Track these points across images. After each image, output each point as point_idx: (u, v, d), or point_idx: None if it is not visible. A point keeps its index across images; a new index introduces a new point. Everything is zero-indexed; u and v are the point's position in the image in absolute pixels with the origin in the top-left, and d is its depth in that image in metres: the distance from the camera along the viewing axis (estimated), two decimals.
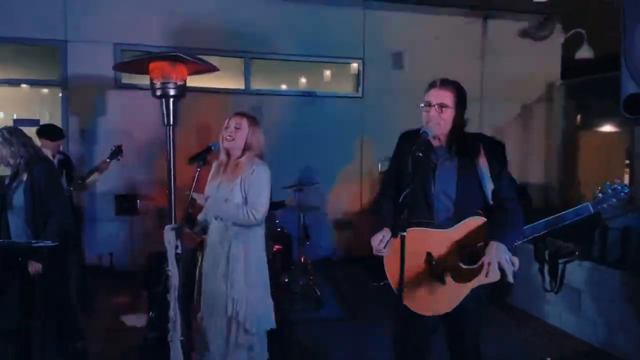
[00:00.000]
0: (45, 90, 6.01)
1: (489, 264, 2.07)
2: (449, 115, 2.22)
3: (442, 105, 2.20)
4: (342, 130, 6.44)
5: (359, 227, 6.54)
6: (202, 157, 2.58)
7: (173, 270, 2.41)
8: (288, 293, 4.87)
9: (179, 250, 2.42)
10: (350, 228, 6.56)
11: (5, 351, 3.33)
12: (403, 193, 1.86)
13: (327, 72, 6.69)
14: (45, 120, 5.82)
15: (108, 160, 4.56)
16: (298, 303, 4.74)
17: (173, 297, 2.42)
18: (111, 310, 4.53)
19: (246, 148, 2.66)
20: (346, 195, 6.56)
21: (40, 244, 2.83)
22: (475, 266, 2.14)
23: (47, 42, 5.69)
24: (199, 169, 2.55)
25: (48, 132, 4.43)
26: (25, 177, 3.16)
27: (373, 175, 6.55)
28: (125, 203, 5.54)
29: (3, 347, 3.34)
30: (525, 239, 2.53)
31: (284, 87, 6.68)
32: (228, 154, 2.70)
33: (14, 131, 3.24)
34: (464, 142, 2.27)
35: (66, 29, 5.64)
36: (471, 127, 2.35)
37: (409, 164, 2.00)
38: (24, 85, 5.89)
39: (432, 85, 2.27)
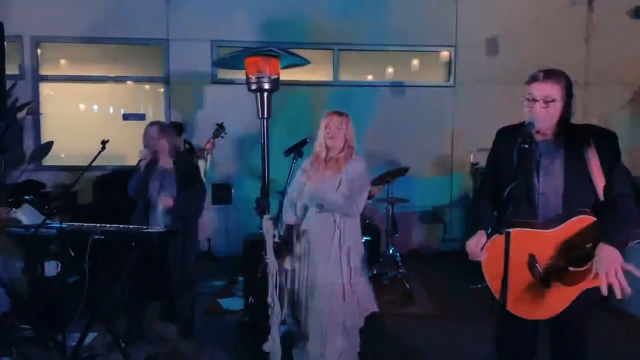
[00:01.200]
0: (149, 87, 6.44)
1: (597, 271, 1.91)
2: (556, 109, 2.07)
3: (547, 100, 2.06)
4: (432, 121, 6.29)
5: (449, 220, 6.38)
6: (298, 148, 2.64)
7: (271, 258, 2.50)
8: (377, 286, 4.85)
9: (276, 239, 2.51)
10: (440, 221, 6.41)
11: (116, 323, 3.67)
12: (508, 188, 1.77)
13: (415, 62, 6.55)
14: (150, 114, 6.26)
15: (212, 139, 4.75)
16: (387, 296, 4.71)
17: (271, 284, 2.52)
18: (209, 293, 4.79)
19: (346, 145, 2.72)
20: (436, 187, 6.41)
21: (151, 230, 3.07)
22: (583, 269, 1.99)
23: (151, 41, 6.10)
24: (295, 161, 2.61)
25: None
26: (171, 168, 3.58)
27: (465, 168, 6.34)
28: (221, 192, 5.83)
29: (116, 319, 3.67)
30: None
31: (370, 77, 6.63)
32: (328, 151, 2.74)
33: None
34: (572, 134, 2.12)
35: (168, 28, 6.02)
36: (575, 117, 2.19)
37: (513, 158, 1.90)
38: (129, 82, 6.36)
39: (534, 77, 2.11)
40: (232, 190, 5.81)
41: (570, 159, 2.10)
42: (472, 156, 6.11)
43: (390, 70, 6.61)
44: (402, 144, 6.19)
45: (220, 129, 4.71)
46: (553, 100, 2.06)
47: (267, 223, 2.49)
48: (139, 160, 3.66)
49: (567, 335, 2.20)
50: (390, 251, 5.13)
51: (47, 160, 5.90)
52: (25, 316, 3.68)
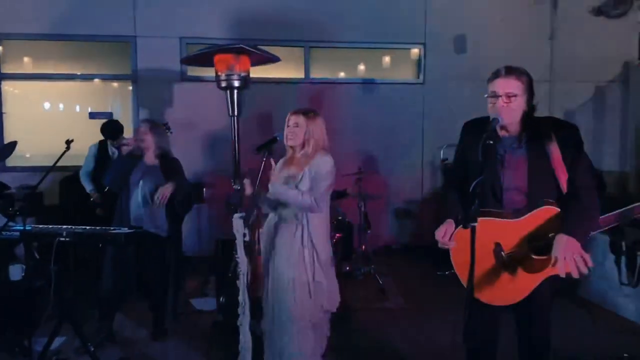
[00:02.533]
0: (117, 84, 6.31)
1: (556, 257, 1.99)
2: (518, 104, 2.13)
3: (509, 95, 2.11)
4: (402, 117, 6.36)
5: (420, 215, 6.46)
6: (268, 146, 2.63)
7: (242, 257, 2.49)
8: (350, 281, 4.90)
9: (246, 238, 2.50)
10: (412, 216, 6.49)
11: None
12: (473, 183, 1.81)
13: (387, 59, 6.60)
14: (117, 113, 6.13)
15: None
16: (360, 291, 4.75)
17: (242, 283, 2.52)
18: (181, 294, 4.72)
19: (305, 142, 2.71)
20: (407, 183, 6.48)
21: (118, 231, 3.03)
22: (546, 257, 2.06)
23: (118, 38, 5.97)
24: (264, 158, 2.60)
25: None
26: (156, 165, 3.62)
27: (435, 164, 6.43)
28: (193, 191, 5.76)
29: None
30: (600, 230, 2.39)
31: (342, 75, 6.65)
32: (292, 149, 2.77)
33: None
34: (534, 129, 2.17)
35: (135, 24, 5.90)
36: (541, 112, 2.26)
37: (478, 152, 1.94)
38: (96, 80, 6.21)
39: (496, 74, 2.17)
40: (204, 189, 5.75)
41: (532, 155, 2.16)
42: (442, 152, 6.20)
43: (361, 67, 6.64)
44: (373, 140, 6.24)
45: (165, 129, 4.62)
46: (515, 96, 2.11)
47: (237, 222, 2.48)
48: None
49: (532, 319, 2.28)
50: (363, 247, 5.16)
51: (11, 161, 5.73)
52: None
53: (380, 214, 6.16)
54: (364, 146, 6.19)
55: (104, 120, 5.17)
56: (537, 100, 2.21)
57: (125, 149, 3.58)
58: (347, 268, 5.01)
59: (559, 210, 2.09)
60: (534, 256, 2.10)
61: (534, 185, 2.15)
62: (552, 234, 2.06)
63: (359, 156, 5.98)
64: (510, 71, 2.14)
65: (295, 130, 2.70)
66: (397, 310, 4.39)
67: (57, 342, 3.47)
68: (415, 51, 6.49)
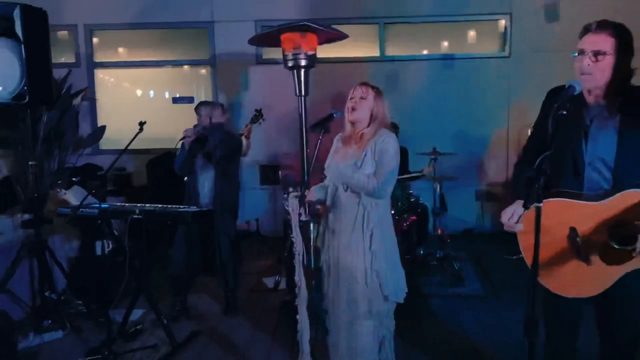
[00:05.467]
0: (198, 70, 6.53)
1: None
2: (607, 64, 1.84)
3: (597, 53, 1.83)
4: (486, 94, 5.97)
5: (505, 198, 6.06)
6: (324, 124, 2.54)
7: (297, 236, 2.44)
8: (424, 266, 4.72)
9: (302, 218, 2.44)
10: (496, 199, 6.11)
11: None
12: (539, 157, 1.59)
13: (472, 33, 6.20)
14: (200, 97, 6.36)
15: (249, 125, 4.73)
16: (434, 277, 4.57)
17: (298, 262, 2.47)
18: (255, 272, 4.84)
19: (372, 119, 2.53)
20: (491, 164, 6.11)
21: (186, 209, 3.14)
22: (630, 248, 1.79)
23: (197, 24, 6.16)
24: (320, 137, 2.51)
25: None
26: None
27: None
28: (269, 173, 5.87)
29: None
30: None
31: (423, 52, 6.35)
32: (353, 125, 2.58)
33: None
34: (631, 98, 1.87)
35: (213, 10, 6.04)
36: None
37: (549, 123, 1.71)
38: (180, 66, 6.47)
39: (586, 29, 1.89)
40: (280, 171, 5.82)
41: (625, 127, 1.87)
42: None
43: (440, 42, 6.31)
44: (453, 119, 5.94)
45: (258, 115, 4.67)
46: (604, 54, 1.83)
47: (292, 201, 2.43)
48: (182, 138, 3.75)
49: (614, 318, 2.00)
50: (439, 231, 4.94)
51: (104, 144, 6.15)
52: (79, 293, 3.87)
53: (460, 197, 5.86)
54: (442, 125, 5.90)
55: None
56: (636, 65, 1.90)
57: (187, 141, 3.72)
58: (421, 252, 4.82)
59: None
60: (615, 245, 1.83)
61: (623, 163, 1.86)
62: (639, 222, 1.78)
63: (436, 136, 5.70)
64: (603, 26, 1.86)
65: (361, 102, 2.52)
66: (473, 297, 4.15)
67: (136, 314, 3.70)
68: (501, 22, 6.04)
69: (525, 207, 1.60)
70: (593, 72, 1.85)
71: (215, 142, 3.76)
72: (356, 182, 2.44)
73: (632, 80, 1.94)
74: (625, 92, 1.89)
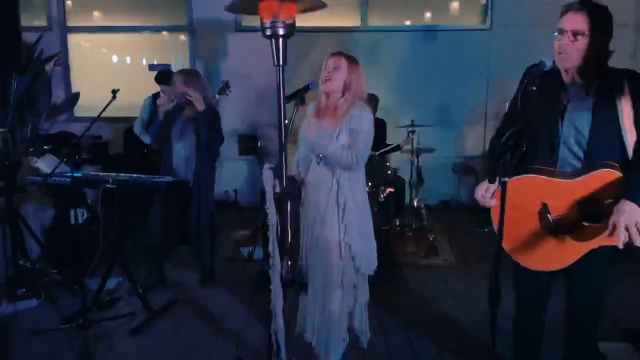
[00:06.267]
0: (176, 36, 6.38)
1: (614, 225, 1.74)
2: (584, 44, 1.83)
3: (576, 33, 1.83)
4: (466, 67, 5.97)
5: (482, 171, 6.15)
6: (300, 95, 2.51)
7: (271, 208, 2.45)
8: (400, 237, 4.80)
9: (277, 190, 2.44)
10: (472, 173, 6.20)
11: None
12: (506, 133, 1.61)
13: (455, 4, 6.15)
14: (177, 64, 6.22)
15: (217, 96, 4.66)
16: (409, 247, 4.65)
17: (272, 233, 2.48)
18: (233, 242, 4.87)
19: (345, 89, 2.52)
20: (469, 137, 6.16)
21: (160, 179, 3.12)
22: (598, 225, 1.84)
23: None
24: (296, 108, 2.49)
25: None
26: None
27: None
28: (248, 143, 5.82)
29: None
30: None
31: (406, 23, 6.29)
32: (327, 97, 2.58)
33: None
34: (607, 79, 1.88)
35: None
36: (624, 63, 1.94)
37: (518, 100, 1.72)
38: (157, 33, 6.30)
39: (567, 8, 1.88)
40: (259, 141, 5.78)
41: (599, 108, 1.88)
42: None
43: (423, 13, 6.25)
44: (432, 91, 5.95)
45: (224, 87, 4.59)
46: (582, 34, 1.83)
47: (266, 173, 2.42)
48: (157, 107, 3.71)
49: (580, 290, 2.07)
50: (415, 203, 5.01)
51: (80, 112, 6.03)
52: (53, 262, 3.85)
53: (436, 169, 5.92)
54: (421, 98, 5.90)
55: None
56: (615, 47, 1.91)
57: (161, 109, 3.66)
58: (397, 223, 4.90)
59: (621, 175, 1.82)
60: (585, 223, 1.88)
61: (596, 143, 1.89)
62: (610, 200, 1.81)
63: (415, 108, 5.72)
64: (582, 4, 1.85)
65: (334, 73, 2.51)
66: (445, 268, 4.26)
67: (113, 282, 3.70)
68: None
69: (490, 181, 1.62)
70: (570, 52, 1.85)
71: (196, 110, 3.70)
72: (332, 153, 2.45)
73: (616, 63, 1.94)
74: (602, 73, 1.90)
